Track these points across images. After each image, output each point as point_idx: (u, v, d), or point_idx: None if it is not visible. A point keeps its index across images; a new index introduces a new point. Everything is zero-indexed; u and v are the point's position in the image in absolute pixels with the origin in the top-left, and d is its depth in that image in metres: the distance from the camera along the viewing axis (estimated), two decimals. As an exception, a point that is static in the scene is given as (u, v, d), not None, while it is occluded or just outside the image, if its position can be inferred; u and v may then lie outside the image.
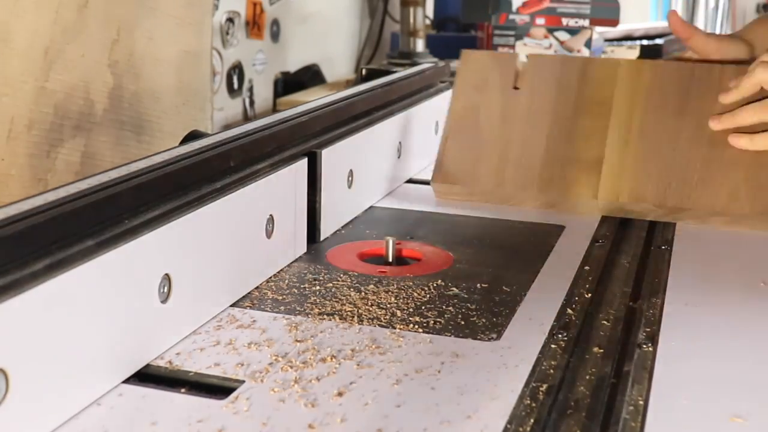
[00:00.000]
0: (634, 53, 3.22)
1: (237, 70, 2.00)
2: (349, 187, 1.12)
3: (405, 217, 1.17)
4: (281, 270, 0.95)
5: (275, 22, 2.16)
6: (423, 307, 0.85)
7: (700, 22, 5.85)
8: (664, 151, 1.14)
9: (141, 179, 0.76)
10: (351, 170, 1.12)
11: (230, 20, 1.95)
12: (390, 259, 0.98)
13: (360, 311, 0.84)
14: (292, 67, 2.27)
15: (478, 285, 0.91)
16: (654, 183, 1.12)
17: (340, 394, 0.68)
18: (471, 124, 1.24)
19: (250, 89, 2.07)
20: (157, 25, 1.52)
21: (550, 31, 2.47)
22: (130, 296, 0.70)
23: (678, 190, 1.11)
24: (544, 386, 0.69)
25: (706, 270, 0.98)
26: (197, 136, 1.00)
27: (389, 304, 0.86)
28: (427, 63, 1.77)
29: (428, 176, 1.37)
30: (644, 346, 0.77)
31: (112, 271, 0.68)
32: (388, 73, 1.48)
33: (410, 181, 1.34)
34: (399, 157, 1.30)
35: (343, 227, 1.10)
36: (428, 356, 0.75)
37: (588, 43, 2.45)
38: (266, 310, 0.84)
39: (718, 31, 5.86)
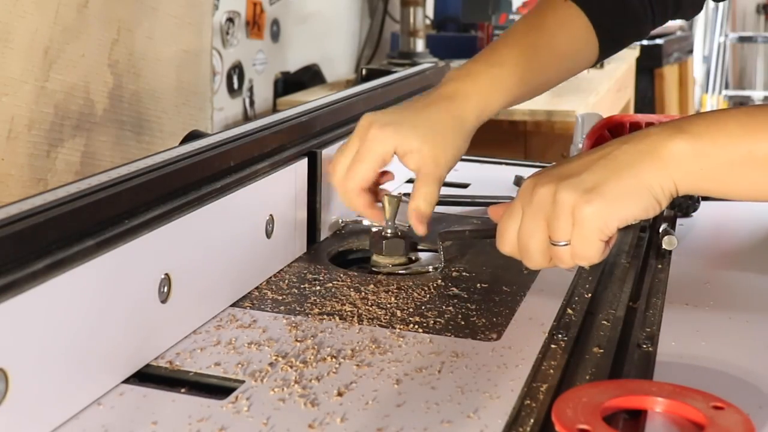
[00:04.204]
0: (634, 53, 3.22)
1: (237, 70, 2.00)
2: (349, 187, 1.12)
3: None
4: (281, 270, 0.95)
5: (275, 22, 2.16)
6: (423, 307, 0.85)
7: (700, 22, 5.85)
8: None
9: (141, 179, 0.76)
10: (351, 170, 1.12)
11: (230, 20, 1.95)
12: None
13: (360, 311, 0.84)
14: (292, 67, 2.27)
15: (478, 285, 0.91)
16: None
17: (340, 394, 0.68)
18: None
19: (250, 89, 2.07)
20: (157, 25, 1.52)
21: (550, 31, 2.46)
22: (130, 296, 0.71)
23: None
24: (544, 386, 0.69)
25: (706, 270, 0.98)
26: (197, 136, 1.00)
27: (389, 304, 0.86)
28: (427, 63, 1.77)
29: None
30: (644, 346, 0.77)
31: (112, 271, 0.68)
32: (388, 73, 1.48)
33: (410, 181, 1.34)
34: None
35: (343, 227, 1.10)
36: (428, 356, 0.75)
37: (588, 43, 2.45)
38: (266, 310, 0.84)
39: (717, 32, 5.87)
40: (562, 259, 0.77)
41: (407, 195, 0.96)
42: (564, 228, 0.75)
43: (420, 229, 0.93)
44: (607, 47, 1.06)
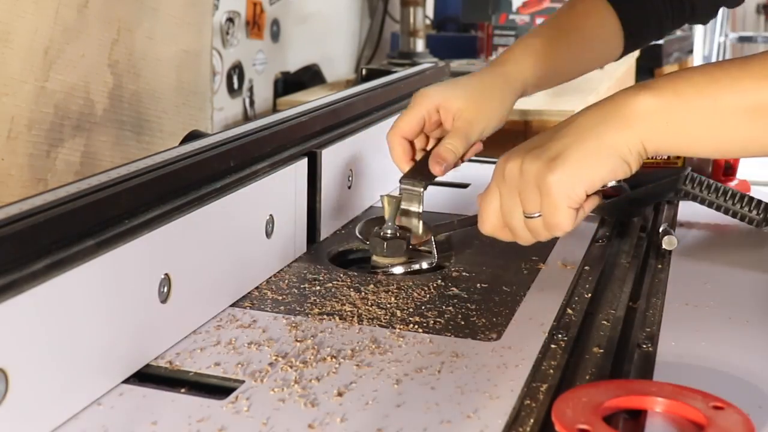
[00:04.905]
0: (634, 53, 3.21)
1: (237, 70, 2.00)
2: (349, 187, 1.12)
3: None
4: (281, 270, 0.95)
5: (275, 22, 2.16)
6: (423, 307, 0.85)
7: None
8: None
9: (141, 179, 0.76)
10: (351, 170, 1.12)
11: (230, 20, 1.95)
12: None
13: (360, 311, 0.84)
14: (292, 67, 2.27)
15: (478, 285, 0.91)
16: None
17: (340, 394, 0.68)
18: None
19: (250, 89, 2.07)
20: (157, 25, 1.52)
21: (550, 31, 2.46)
22: (130, 296, 0.70)
23: None
24: (544, 386, 0.69)
25: (706, 270, 0.98)
26: (197, 136, 1.00)
27: (389, 304, 0.86)
28: (427, 63, 1.77)
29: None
30: (644, 346, 0.77)
31: (112, 271, 0.68)
32: (388, 73, 1.48)
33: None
34: (399, 157, 1.30)
35: (343, 227, 1.10)
36: (428, 356, 0.75)
37: (588, 43, 2.45)
38: (266, 310, 0.84)
39: (717, 32, 5.86)
40: (537, 231, 0.78)
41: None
42: (533, 199, 0.75)
43: (436, 170, 0.97)
44: (631, 42, 1.09)
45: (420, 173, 0.99)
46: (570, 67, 1.09)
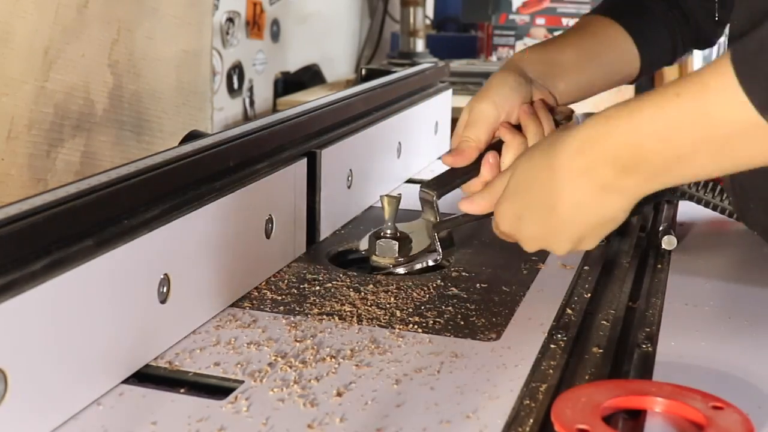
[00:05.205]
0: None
1: (237, 70, 2.00)
2: (349, 187, 1.12)
3: (405, 217, 1.16)
4: (281, 270, 0.95)
5: (275, 22, 2.17)
6: (423, 307, 0.85)
7: (700, 22, 5.81)
8: None
9: (141, 179, 0.76)
10: (351, 170, 1.12)
11: (230, 20, 1.95)
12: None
13: (359, 311, 0.84)
14: (292, 67, 2.28)
15: (478, 285, 0.91)
16: None
17: (339, 394, 0.68)
18: None
19: (250, 89, 2.07)
20: (157, 25, 1.52)
21: (550, 31, 2.47)
22: (129, 296, 0.71)
23: None
24: (544, 386, 0.69)
25: (706, 270, 0.98)
26: (197, 136, 1.00)
27: (389, 304, 0.86)
28: (427, 63, 1.77)
29: (428, 176, 1.37)
30: (644, 346, 0.77)
31: (111, 271, 0.68)
32: (388, 73, 1.48)
33: (410, 181, 1.34)
34: (399, 157, 1.30)
35: (342, 227, 1.10)
36: (428, 356, 0.75)
37: (588, 43, 2.45)
38: (266, 310, 0.84)
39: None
40: None
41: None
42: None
43: (447, 161, 0.95)
44: (646, 68, 1.08)
45: (438, 183, 0.98)
46: (580, 66, 1.04)
